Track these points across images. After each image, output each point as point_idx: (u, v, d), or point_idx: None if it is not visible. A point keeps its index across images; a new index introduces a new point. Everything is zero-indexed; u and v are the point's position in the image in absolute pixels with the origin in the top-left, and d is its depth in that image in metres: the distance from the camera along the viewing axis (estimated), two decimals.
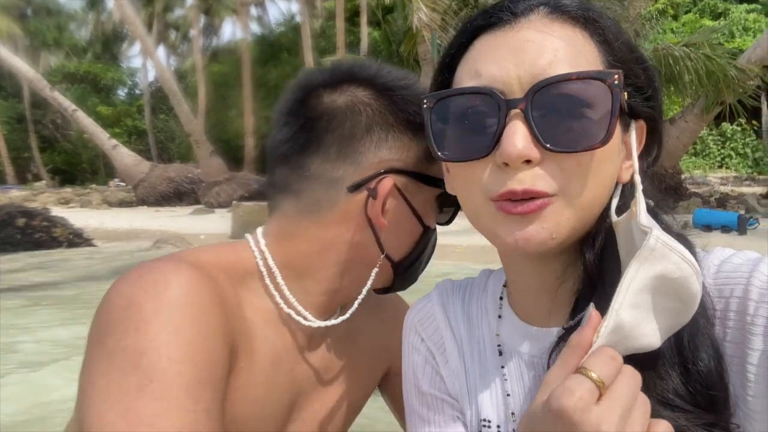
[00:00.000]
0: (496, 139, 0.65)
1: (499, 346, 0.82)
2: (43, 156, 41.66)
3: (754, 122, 23.73)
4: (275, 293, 0.95)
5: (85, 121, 22.29)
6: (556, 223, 0.67)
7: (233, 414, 0.85)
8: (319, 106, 0.96)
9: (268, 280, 0.95)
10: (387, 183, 0.94)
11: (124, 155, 22.88)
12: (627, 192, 0.73)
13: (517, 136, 0.64)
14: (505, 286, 0.86)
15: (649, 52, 13.18)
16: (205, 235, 11.93)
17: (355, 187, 0.94)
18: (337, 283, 0.99)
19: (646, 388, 0.61)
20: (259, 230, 1.00)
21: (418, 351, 0.90)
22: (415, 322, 0.92)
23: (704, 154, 25.62)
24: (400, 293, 1.14)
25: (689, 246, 0.71)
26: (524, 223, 0.67)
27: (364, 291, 1.00)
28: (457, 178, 0.74)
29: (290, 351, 0.98)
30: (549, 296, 0.76)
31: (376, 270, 0.98)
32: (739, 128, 24.57)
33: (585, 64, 0.67)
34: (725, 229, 11.09)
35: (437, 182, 0.97)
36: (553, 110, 0.65)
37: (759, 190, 18.08)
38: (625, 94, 0.69)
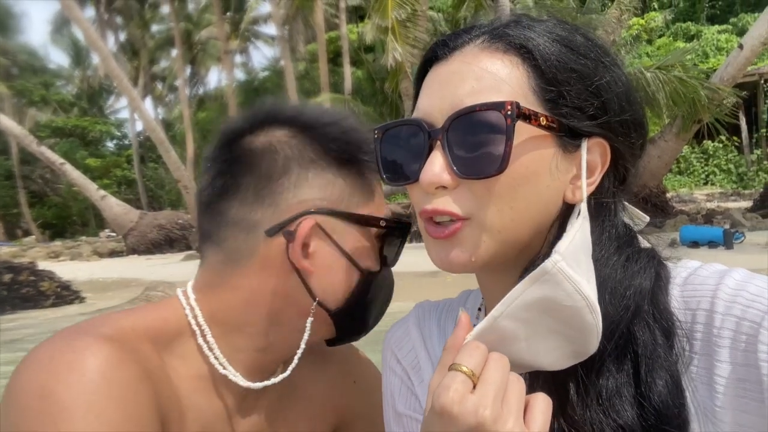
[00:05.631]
0: (422, 165, 0.71)
1: None
2: (32, 211, 41.47)
3: (734, 138, 24.09)
4: (209, 353, 0.89)
5: (73, 173, 22.33)
6: (474, 246, 0.70)
7: None
8: (236, 150, 0.92)
9: (200, 340, 0.89)
10: (307, 224, 0.87)
11: (113, 205, 22.85)
12: (591, 212, 0.71)
13: (433, 164, 0.69)
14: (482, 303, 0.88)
15: None
16: None
17: (274, 231, 0.88)
18: (270, 337, 0.92)
19: (600, 422, 0.64)
20: (189, 284, 0.94)
21: (395, 372, 0.91)
22: (391, 343, 0.94)
23: (689, 172, 25.90)
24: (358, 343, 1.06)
25: (665, 271, 0.73)
26: (446, 245, 0.71)
27: (302, 344, 0.92)
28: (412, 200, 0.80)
29: (220, 416, 0.91)
30: None
31: (310, 320, 0.91)
32: (720, 145, 24.92)
33: (508, 91, 0.68)
34: (712, 244, 11.15)
35: (371, 221, 0.92)
36: (465, 139, 0.68)
37: (744, 204, 18.21)
38: (544, 118, 0.67)
